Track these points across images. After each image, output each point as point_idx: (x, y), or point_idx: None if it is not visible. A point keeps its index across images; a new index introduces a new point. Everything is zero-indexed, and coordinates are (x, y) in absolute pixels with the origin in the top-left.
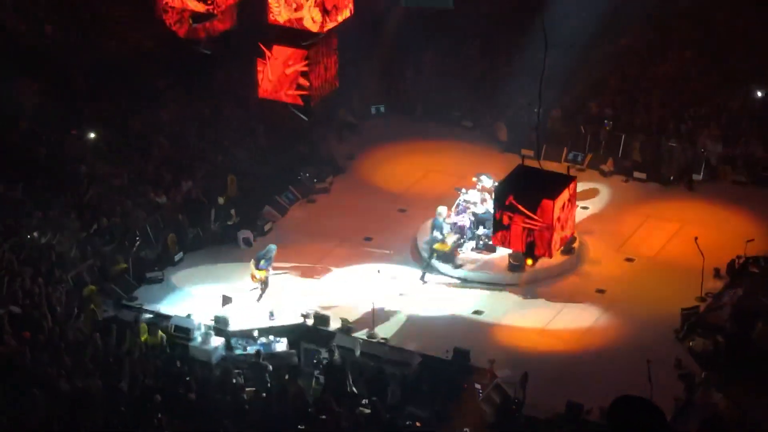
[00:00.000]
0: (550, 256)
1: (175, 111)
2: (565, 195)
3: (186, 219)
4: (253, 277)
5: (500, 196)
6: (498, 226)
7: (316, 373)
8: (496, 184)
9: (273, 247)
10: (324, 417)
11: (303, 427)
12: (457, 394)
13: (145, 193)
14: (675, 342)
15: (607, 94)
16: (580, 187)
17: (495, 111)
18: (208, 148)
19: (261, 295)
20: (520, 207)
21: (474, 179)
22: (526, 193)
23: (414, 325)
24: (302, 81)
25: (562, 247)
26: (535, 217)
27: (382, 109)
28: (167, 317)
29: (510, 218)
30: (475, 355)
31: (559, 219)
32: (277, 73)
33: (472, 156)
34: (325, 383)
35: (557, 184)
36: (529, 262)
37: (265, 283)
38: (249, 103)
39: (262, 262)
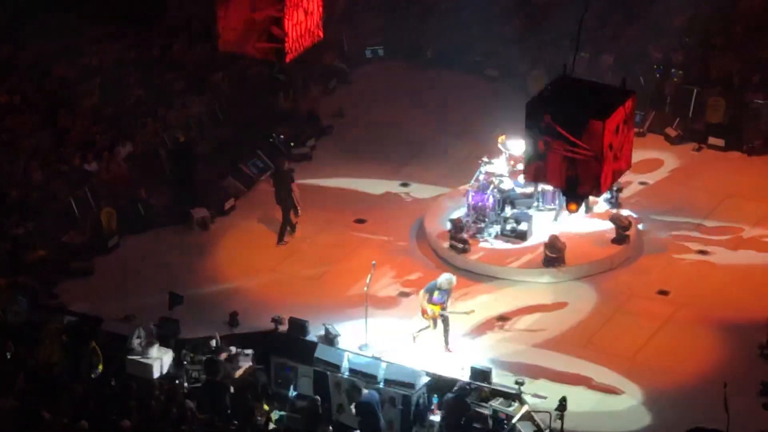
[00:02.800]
0: (599, 194)
1: (111, 52)
2: (619, 115)
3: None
4: (424, 312)
5: (534, 114)
6: (531, 155)
7: (292, 395)
8: None
9: (450, 277)
10: None
11: None
12: (474, 424)
13: (70, 158)
14: (760, 361)
15: (674, 35)
16: (638, 156)
17: (529, 56)
18: (152, 101)
19: (419, 333)
20: (560, 129)
21: (500, 145)
22: (568, 110)
23: (419, 335)
24: (275, 30)
25: (615, 188)
26: (580, 143)
27: (380, 51)
28: (97, 321)
29: (546, 144)
30: (498, 374)
31: (611, 146)
32: (243, 18)
33: (497, 115)
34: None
35: (610, 100)
36: (572, 207)
37: (437, 322)
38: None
39: (437, 293)
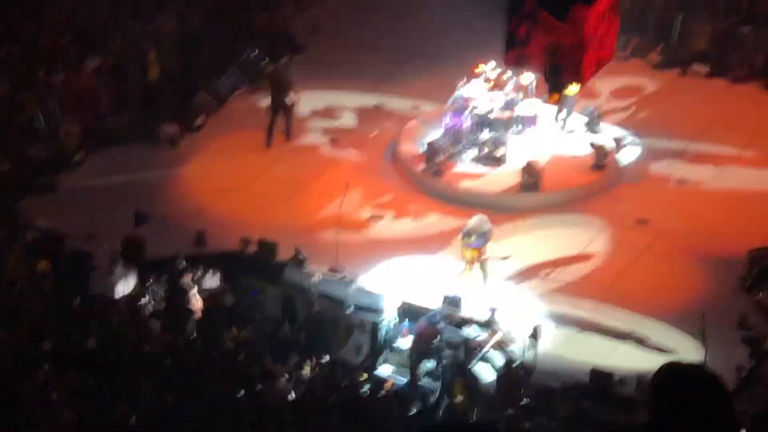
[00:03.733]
0: (582, 82)
1: None
2: (604, 2)
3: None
4: (463, 255)
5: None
6: (513, 41)
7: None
8: (509, 74)
9: (481, 219)
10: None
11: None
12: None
13: (36, 71)
14: (739, 293)
15: None
16: (619, 82)
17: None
18: (124, 14)
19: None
20: (543, 15)
21: (478, 68)
22: None
23: (391, 260)
24: None
25: (595, 113)
26: (564, 30)
27: None
28: (60, 239)
29: (529, 31)
30: (471, 303)
31: (595, 33)
32: None
33: (475, 36)
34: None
35: None
36: (554, 98)
37: (481, 266)
38: None
39: (474, 237)
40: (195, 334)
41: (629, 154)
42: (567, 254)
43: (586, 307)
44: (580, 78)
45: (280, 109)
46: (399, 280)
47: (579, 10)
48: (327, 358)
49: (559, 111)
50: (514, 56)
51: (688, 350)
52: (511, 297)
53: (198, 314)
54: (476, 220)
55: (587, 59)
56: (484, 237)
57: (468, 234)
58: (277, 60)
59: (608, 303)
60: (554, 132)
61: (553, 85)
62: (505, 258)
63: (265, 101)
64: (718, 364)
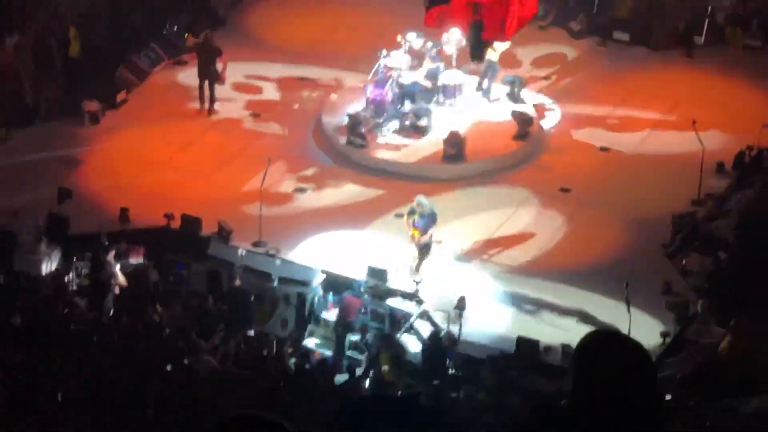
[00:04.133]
0: (504, 39)
1: None
2: None
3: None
4: (411, 237)
5: None
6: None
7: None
8: (429, 44)
9: (420, 200)
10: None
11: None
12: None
13: None
14: (663, 259)
15: None
16: (540, 51)
17: None
18: None
19: (417, 265)
20: None
21: (399, 38)
22: None
23: (315, 232)
24: None
25: (517, 81)
26: None
27: None
28: None
29: None
30: (395, 274)
31: None
32: None
33: (396, 6)
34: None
35: None
36: (474, 60)
37: (423, 249)
38: None
39: (416, 217)
40: (117, 311)
41: (551, 123)
42: (492, 226)
43: (511, 279)
44: (502, 35)
45: (207, 77)
46: (325, 253)
47: None
48: (252, 332)
49: (481, 80)
50: (436, 15)
51: (608, 312)
52: (441, 272)
53: (120, 290)
54: (417, 201)
55: (509, 16)
56: (429, 218)
57: (410, 213)
58: (197, 33)
59: (534, 272)
60: (477, 102)
61: (475, 44)
62: (439, 242)
63: (193, 71)
64: (644, 330)
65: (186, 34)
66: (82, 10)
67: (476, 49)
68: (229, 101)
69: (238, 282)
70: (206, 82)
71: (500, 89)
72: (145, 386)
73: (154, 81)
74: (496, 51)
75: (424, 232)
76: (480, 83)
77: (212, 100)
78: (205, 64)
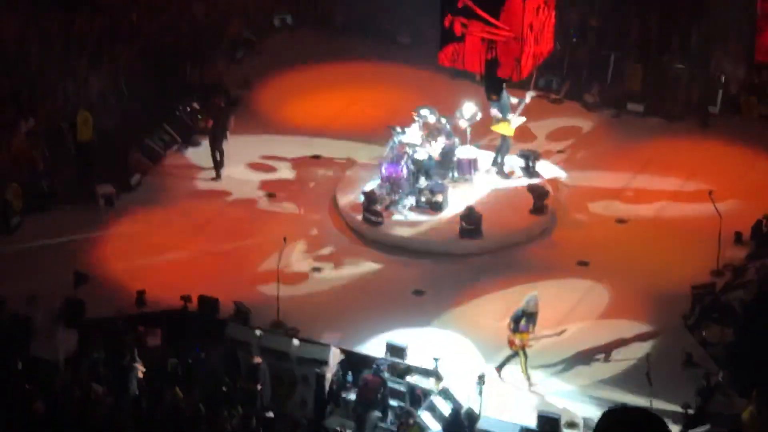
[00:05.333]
0: (518, 78)
1: (9, 26)
2: None
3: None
4: (511, 343)
5: None
6: (448, 36)
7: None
8: (443, 120)
9: (534, 297)
10: None
11: None
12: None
13: None
14: (683, 331)
15: None
16: (555, 124)
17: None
18: (54, 76)
19: (524, 368)
20: (477, 10)
21: (413, 114)
22: None
23: (333, 311)
24: None
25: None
26: (499, 24)
27: (289, 19)
28: (0, 302)
29: (464, 26)
30: (414, 351)
31: (531, 27)
32: None
33: (410, 83)
34: None
35: None
36: (491, 97)
37: (524, 351)
38: (109, 12)
39: (523, 321)
40: (138, 395)
41: (567, 196)
42: (510, 300)
43: (530, 354)
44: (518, 73)
45: (220, 144)
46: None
47: (514, 3)
48: (271, 413)
49: (495, 156)
50: (450, 53)
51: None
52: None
53: (140, 375)
54: (530, 300)
55: (525, 53)
56: (533, 318)
57: (516, 319)
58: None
59: (552, 346)
60: (492, 177)
61: (490, 81)
62: (560, 333)
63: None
64: (666, 403)
65: (198, 116)
66: (94, 95)
67: (491, 87)
68: (243, 182)
69: (256, 361)
70: (218, 149)
71: (515, 163)
72: None
73: (168, 162)
74: (510, 126)
75: (531, 333)
76: (494, 159)
77: (218, 163)
78: (219, 132)
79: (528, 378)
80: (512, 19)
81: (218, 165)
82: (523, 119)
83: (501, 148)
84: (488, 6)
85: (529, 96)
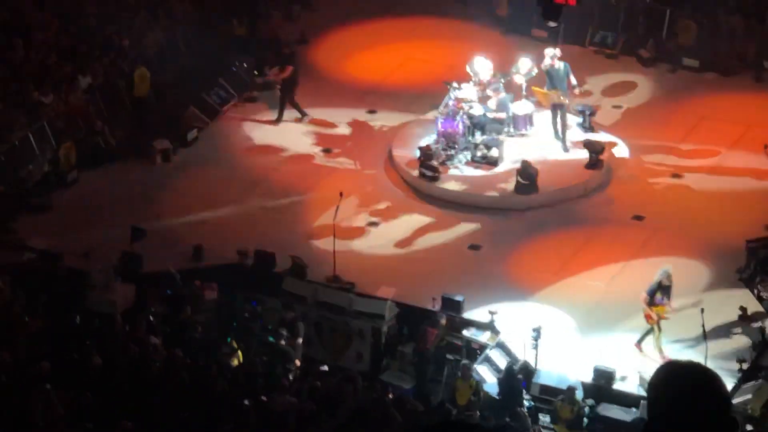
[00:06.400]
0: (574, 1)
1: None
2: None
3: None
4: (648, 317)
5: None
6: None
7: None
8: (498, 75)
9: (667, 270)
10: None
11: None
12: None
13: (26, 91)
14: (738, 284)
15: None
16: (611, 79)
17: None
18: (111, 31)
19: (643, 340)
20: None
21: (468, 70)
22: None
23: (389, 266)
24: None
25: (587, 111)
26: None
27: None
28: (56, 258)
29: None
30: (471, 304)
31: None
32: None
33: (464, 39)
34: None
35: None
36: (548, 21)
37: (659, 325)
38: None
39: (658, 295)
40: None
41: (623, 151)
42: (566, 253)
43: (586, 307)
44: None
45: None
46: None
47: None
48: (326, 367)
49: (555, 125)
50: None
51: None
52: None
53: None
54: (662, 273)
55: None
56: (668, 290)
57: (651, 292)
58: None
59: (608, 300)
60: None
61: (547, 3)
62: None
63: (263, 106)
64: (721, 357)
65: (254, 72)
66: (150, 50)
67: (548, 10)
68: (299, 137)
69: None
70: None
71: (572, 121)
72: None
73: (224, 118)
74: (549, 97)
75: (667, 307)
76: (554, 129)
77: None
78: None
79: (660, 351)
80: None
81: (299, 108)
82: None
83: (560, 118)
84: None
85: (578, 90)
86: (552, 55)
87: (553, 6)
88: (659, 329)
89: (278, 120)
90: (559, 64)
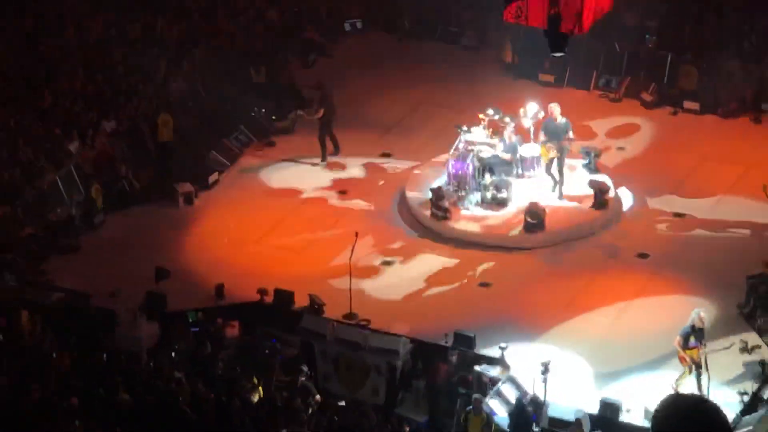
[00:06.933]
0: (581, 31)
1: (94, 30)
2: None
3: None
4: (682, 360)
5: None
6: None
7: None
8: (507, 119)
9: (698, 313)
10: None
11: None
12: (458, 391)
13: (53, 137)
14: (739, 320)
15: (649, 2)
16: (615, 122)
17: (502, 24)
18: (134, 78)
19: (700, 382)
20: None
21: (479, 114)
22: None
23: (403, 303)
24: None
25: (593, 153)
26: None
27: (359, 24)
28: (85, 297)
29: None
30: (482, 340)
31: None
32: None
33: (475, 84)
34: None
35: None
36: (555, 54)
37: (699, 365)
38: (189, 15)
39: (692, 339)
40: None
41: (628, 192)
42: (572, 290)
43: (593, 343)
44: (580, 27)
45: (329, 125)
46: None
47: None
48: (343, 402)
49: (549, 171)
50: (515, 10)
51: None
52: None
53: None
54: (695, 316)
55: (586, 8)
56: (701, 333)
57: (685, 335)
58: (285, 115)
59: (614, 335)
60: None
61: (553, 36)
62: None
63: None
64: (722, 389)
65: (273, 117)
66: (173, 96)
67: (555, 42)
68: (316, 180)
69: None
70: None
71: (576, 162)
72: None
73: (245, 162)
74: (548, 153)
75: (701, 349)
76: (549, 174)
77: (335, 143)
78: (328, 113)
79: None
80: None
81: (336, 144)
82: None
83: (555, 166)
84: None
85: (571, 142)
86: (552, 109)
87: (559, 37)
88: (696, 371)
89: (323, 160)
90: (561, 120)
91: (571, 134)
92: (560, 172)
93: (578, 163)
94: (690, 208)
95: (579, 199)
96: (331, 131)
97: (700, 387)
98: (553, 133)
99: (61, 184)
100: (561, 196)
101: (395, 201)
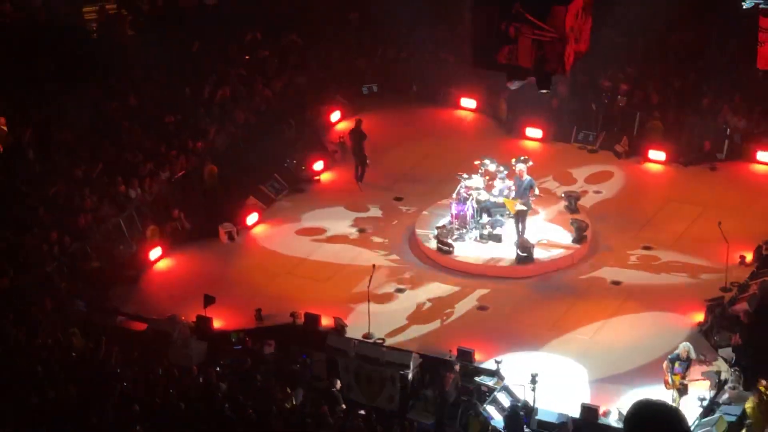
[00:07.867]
0: (564, 72)
1: (149, 93)
2: (579, 2)
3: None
4: (666, 383)
5: (505, 2)
6: (503, 39)
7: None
8: (501, 169)
9: (686, 346)
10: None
11: None
12: (460, 398)
13: (116, 185)
14: (699, 336)
15: (620, 67)
16: (593, 169)
17: (496, 87)
18: (184, 134)
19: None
20: (527, 15)
21: (476, 163)
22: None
23: (413, 323)
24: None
25: (573, 196)
26: (545, 27)
27: (375, 88)
28: (144, 320)
29: (516, 29)
30: (480, 355)
31: (572, 29)
32: None
33: (473, 138)
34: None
35: None
36: (542, 90)
37: (682, 390)
38: (232, 82)
39: (677, 365)
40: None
41: (604, 228)
42: (558, 312)
43: (576, 355)
44: (563, 68)
45: (359, 158)
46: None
47: (557, 9)
48: (363, 411)
49: (516, 222)
50: (506, 53)
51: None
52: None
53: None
54: (682, 348)
55: (567, 51)
56: (687, 363)
57: (672, 360)
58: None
59: (592, 349)
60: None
61: (540, 75)
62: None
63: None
64: (685, 397)
65: (302, 167)
66: (218, 150)
67: (541, 80)
68: (338, 220)
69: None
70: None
71: (560, 204)
72: None
73: (279, 206)
74: (515, 206)
75: (683, 376)
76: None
77: (362, 175)
78: (357, 147)
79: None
80: (556, 23)
81: (363, 172)
82: (524, 207)
83: (519, 226)
84: (536, 12)
85: (535, 195)
86: (520, 169)
87: (545, 75)
88: (678, 394)
89: (359, 181)
90: (526, 178)
91: (536, 191)
92: (523, 227)
93: (561, 205)
94: (656, 241)
95: (562, 233)
96: (360, 163)
97: (674, 400)
98: (519, 190)
99: (123, 226)
100: (518, 245)
101: (406, 238)
